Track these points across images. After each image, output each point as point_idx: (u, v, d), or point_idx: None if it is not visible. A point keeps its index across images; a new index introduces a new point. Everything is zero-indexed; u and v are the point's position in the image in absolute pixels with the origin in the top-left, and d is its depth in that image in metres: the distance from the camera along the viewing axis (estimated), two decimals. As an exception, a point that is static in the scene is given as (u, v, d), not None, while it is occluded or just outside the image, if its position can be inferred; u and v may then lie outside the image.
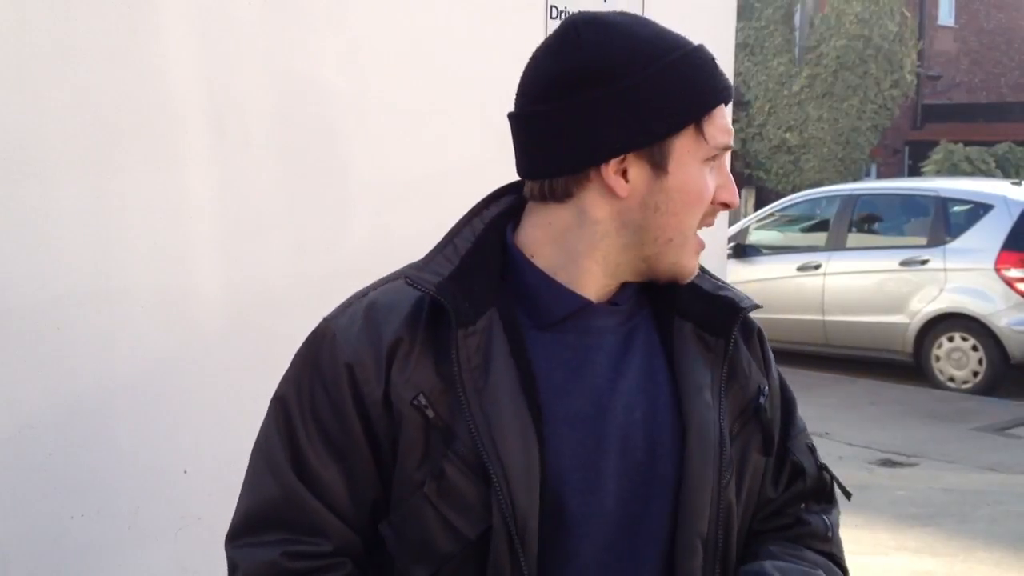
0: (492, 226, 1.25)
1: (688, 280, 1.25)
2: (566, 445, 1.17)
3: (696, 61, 1.20)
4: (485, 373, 1.15)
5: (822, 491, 1.36)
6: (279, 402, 1.22)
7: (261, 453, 1.23)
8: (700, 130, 1.19)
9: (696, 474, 1.20)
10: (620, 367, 1.23)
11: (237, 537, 1.22)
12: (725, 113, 1.22)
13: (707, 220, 1.23)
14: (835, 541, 1.35)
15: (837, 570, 1.33)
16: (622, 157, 1.17)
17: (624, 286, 1.26)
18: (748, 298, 1.31)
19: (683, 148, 1.18)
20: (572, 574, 1.18)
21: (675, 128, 1.18)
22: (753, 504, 1.30)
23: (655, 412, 1.22)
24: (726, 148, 1.21)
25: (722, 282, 1.33)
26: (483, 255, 1.22)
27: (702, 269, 1.31)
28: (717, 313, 1.27)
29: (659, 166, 1.18)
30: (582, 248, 1.21)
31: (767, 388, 1.31)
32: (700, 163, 1.20)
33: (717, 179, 1.22)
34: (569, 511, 1.17)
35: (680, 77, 1.18)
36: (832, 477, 1.36)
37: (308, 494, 1.17)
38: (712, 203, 1.22)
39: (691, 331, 1.26)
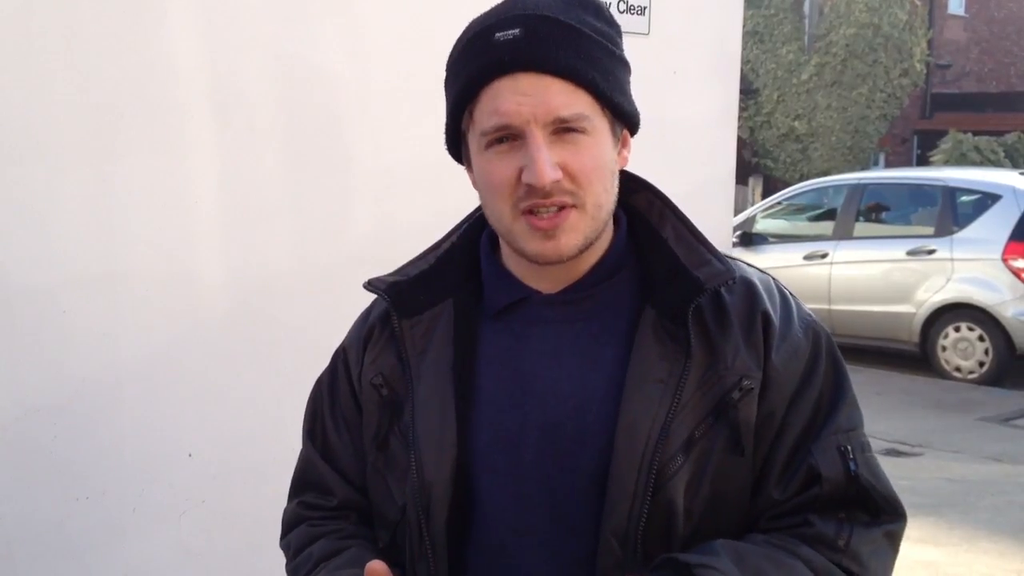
0: (479, 223, 1.29)
1: (550, 263, 1.16)
2: (488, 427, 1.20)
3: (474, 43, 1.14)
4: (424, 356, 1.23)
5: (853, 501, 1.17)
6: (317, 380, 1.37)
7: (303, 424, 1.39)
8: (472, 117, 1.15)
9: (616, 471, 1.13)
10: (561, 357, 1.19)
11: (288, 497, 1.40)
12: (503, 90, 1.11)
13: (527, 203, 1.13)
14: (852, 553, 1.15)
15: None
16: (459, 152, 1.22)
17: (591, 275, 1.21)
18: (728, 271, 1.18)
19: (471, 138, 1.17)
20: (486, 554, 1.19)
21: (454, 120, 1.18)
22: (736, 506, 1.18)
23: (591, 403, 1.17)
24: (500, 128, 1.12)
25: (713, 256, 1.20)
26: (457, 252, 1.28)
27: (700, 240, 1.22)
28: (679, 297, 1.17)
29: (466, 158, 1.21)
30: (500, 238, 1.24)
31: (751, 381, 1.16)
32: (483, 150, 1.15)
33: (521, 159, 1.12)
34: (483, 490, 1.19)
35: (457, 65, 1.17)
36: (870, 487, 1.18)
37: (320, 459, 1.33)
38: (521, 184, 1.12)
39: (654, 319, 1.17)
